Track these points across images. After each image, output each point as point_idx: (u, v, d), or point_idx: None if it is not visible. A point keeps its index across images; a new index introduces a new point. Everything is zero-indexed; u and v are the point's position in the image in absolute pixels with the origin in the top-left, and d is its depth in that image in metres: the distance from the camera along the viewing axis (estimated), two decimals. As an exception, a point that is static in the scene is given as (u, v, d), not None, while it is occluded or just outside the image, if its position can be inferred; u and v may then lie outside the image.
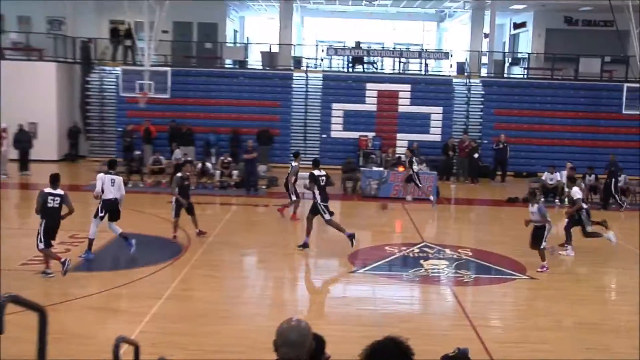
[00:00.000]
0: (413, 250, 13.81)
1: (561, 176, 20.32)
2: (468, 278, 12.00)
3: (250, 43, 34.20)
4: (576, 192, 14.10)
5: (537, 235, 12.48)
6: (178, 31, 30.69)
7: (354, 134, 26.67)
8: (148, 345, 7.19)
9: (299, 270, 12.81)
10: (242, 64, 29.83)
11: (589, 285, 12.09)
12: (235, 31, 35.13)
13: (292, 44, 30.35)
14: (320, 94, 27.81)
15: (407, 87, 27.57)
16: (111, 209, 12.42)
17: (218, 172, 21.09)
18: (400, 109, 27.35)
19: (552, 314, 10.07)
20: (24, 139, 23.14)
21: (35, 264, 11.65)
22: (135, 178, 21.28)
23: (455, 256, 13.45)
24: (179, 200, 14.03)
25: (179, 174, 14.53)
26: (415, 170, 19.12)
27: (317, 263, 13.20)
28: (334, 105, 27.33)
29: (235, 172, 21.24)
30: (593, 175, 20.70)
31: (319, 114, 27.48)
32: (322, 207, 13.43)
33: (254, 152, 20.56)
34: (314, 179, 13.49)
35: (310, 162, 14.43)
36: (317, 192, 13.48)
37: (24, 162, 22.89)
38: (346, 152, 25.30)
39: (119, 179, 12.69)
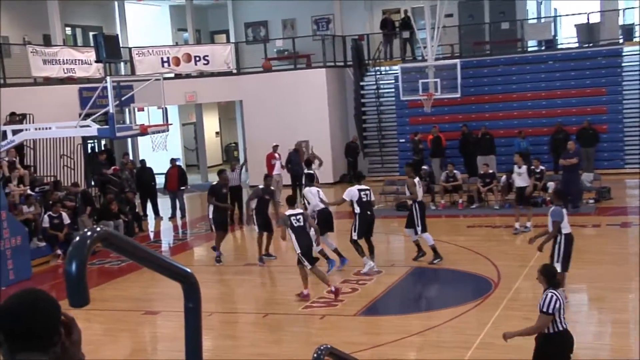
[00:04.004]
0: None
1: None
2: None
3: (560, 15, 33.29)
4: None
5: None
6: (465, 13, 31.05)
7: None
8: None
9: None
10: (550, 44, 29.17)
11: None
12: (538, 3, 34.50)
13: (618, 9, 28.92)
14: (665, 71, 26.03)
15: None
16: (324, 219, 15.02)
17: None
18: None
19: None
20: (297, 160, 24.39)
21: (316, 307, 12.64)
22: (426, 199, 21.77)
23: None
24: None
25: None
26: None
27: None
28: (689, 86, 25.40)
29: (550, 183, 20.71)
30: None
31: (665, 99, 25.72)
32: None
33: (574, 156, 19.88)
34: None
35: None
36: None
37: (297, 187, 23.88)
38: None
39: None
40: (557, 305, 7.64)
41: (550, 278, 7.89)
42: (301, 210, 13.46)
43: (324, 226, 14.83)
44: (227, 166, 24.74)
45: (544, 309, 7.65)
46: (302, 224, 12.91)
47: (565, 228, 11.78)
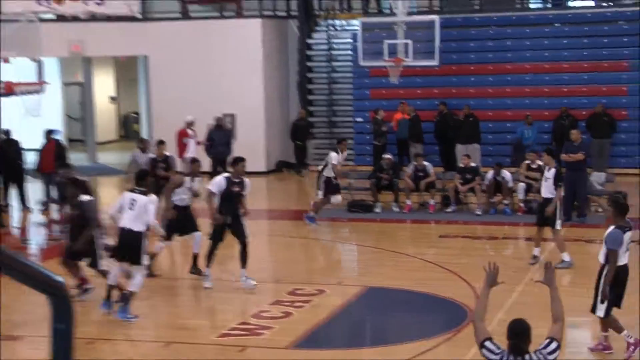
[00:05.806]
0: None
1: None
2: None
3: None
4: None
5: None
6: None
7: None
8: None
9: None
10: (559, 1, 29.51)
11: None
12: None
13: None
14: None
15: None
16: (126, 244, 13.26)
17: (522, 185, 20.91)
18: None
19: None
20: (221, 141, 24.54)
21: (235, 335, 12.68)
22: (385, 198, 21.92)
23: None
24: None
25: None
26: None
27: None
28: None
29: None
30: None
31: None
32: None
33: (580, 150, 20.07)
34: None
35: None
36: None
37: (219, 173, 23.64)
38: None
39: (145, 200, 13.27)
40: None
41: (513, 338, 7.03)
42: None
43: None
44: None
45: None
46: None
47: (621, 258, 11.29)
